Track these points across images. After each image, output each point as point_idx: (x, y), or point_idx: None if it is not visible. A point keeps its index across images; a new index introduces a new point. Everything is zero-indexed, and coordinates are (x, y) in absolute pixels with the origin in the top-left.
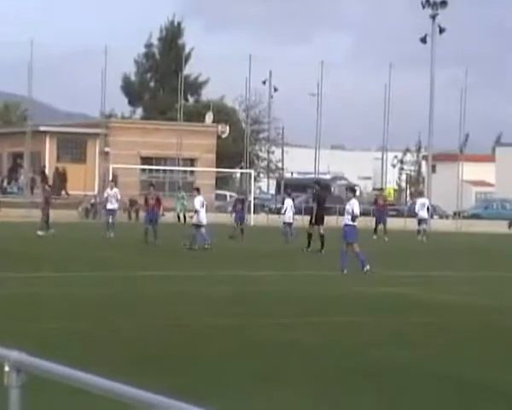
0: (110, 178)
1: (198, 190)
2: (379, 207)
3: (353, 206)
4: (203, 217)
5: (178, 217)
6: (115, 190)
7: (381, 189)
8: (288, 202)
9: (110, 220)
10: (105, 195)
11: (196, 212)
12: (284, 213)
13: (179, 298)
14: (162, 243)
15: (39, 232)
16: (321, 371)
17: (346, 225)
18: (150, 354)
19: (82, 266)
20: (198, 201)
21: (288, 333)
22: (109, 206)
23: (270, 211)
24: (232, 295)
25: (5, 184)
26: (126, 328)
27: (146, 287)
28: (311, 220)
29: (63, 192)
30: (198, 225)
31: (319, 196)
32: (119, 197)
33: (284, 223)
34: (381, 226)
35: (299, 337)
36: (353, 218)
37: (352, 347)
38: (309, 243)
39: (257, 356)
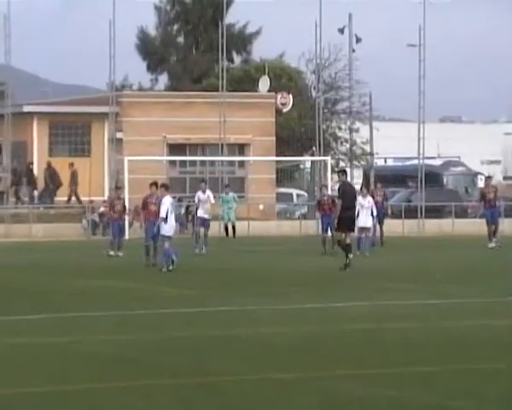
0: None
1: (166, 186)
2: (489, 203)
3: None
4: (171, 226)
5: (226, 228)
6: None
7: (489, 177)
8: (367, 201)
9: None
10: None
11: (163, 219)
12: (357, 216)
13: (228, 345)
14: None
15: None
16: None
17: None
18: None
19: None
20: (166, 203)
21: (381, 388)
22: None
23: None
24: (299, 338)
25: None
26: (165, 390)
27: (174, 329)
28: (338, 226)
29: (72, 197)
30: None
31: (344, 191)
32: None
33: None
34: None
35: (398, 395)
36: None
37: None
38: (347, 256)
39: None
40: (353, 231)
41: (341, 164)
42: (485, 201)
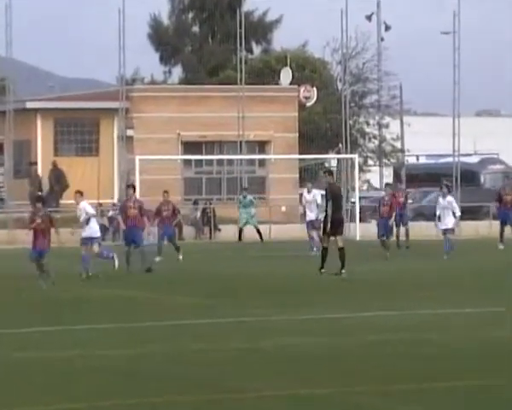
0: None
1: (80, 193)
2: (505, 205)
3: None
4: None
5: (240, 233)
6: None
7: (509, 177)
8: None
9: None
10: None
11: (87, 222)
12: (439, 218)
13: (246, 358)
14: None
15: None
16: None
17: None
18: None
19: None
20: (85, 207)
21: (411, 405)
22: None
23: None
24: (324, 350)
25: None
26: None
27: (189, 341)
28: (324, 229)
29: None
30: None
31: (333, 192)
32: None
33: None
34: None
35: None
36: None
37: None
38: (323, 261)
39: None
40: (341, 233)
41: (370, 162)
42: (500, 202)
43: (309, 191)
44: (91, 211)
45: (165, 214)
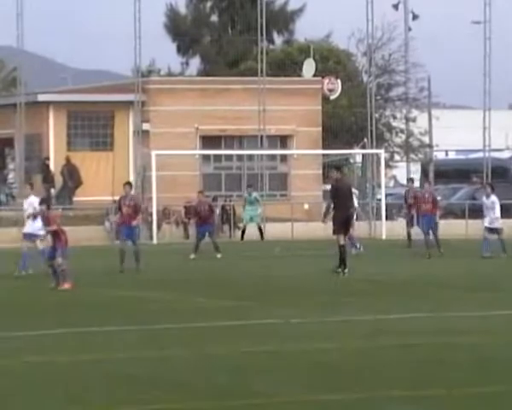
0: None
1: (31, 185)
2: None
3: None
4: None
5: (243, 232)
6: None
7: None
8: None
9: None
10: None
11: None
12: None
13: (272, 362)
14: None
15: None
16: None
17: None
18: None
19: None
20: (34, 202)
21: None
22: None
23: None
24: (350, 355)
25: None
26: None
27: (211, 345)
28: (333, 226)
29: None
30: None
31: (336, 188)
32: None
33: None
34: None
35: None
36: None
37: None
38: (344, 260)
39: None
40: (348, 231)
41: (396, 157)
42: None
43: (488, 196)
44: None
45: (203, 214)
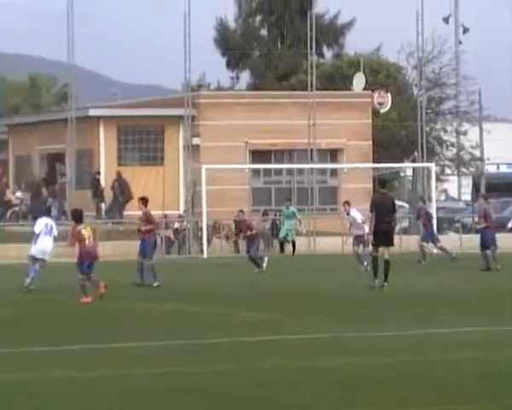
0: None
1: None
2: None
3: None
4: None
5: (281, 245)
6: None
7: None
8: None
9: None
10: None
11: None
12: None
13: (318, 377)
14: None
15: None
16: None
17: None
18: None
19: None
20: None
21: None
22: None
23: (465, 228)
24: (394, 370)
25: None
26: None
27: (257, 359)
28: (373, 239)
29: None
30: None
31: (378, 203)
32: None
33: None
34: None
35: None
36: None
37: None
38: (375, 272)
39: None
40: (391, 245)
41: (447, 171)
42: None
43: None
44: (43, 228)
45: (248, 233)
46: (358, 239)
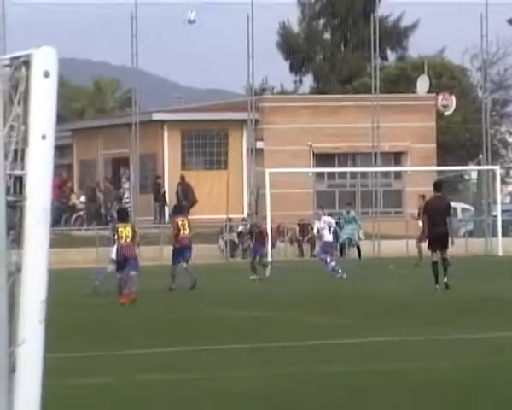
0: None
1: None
2: None
3: None
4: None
5: (341, 248)
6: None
7: None
8: None
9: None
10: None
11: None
12: None
13: (389, 382)
14: None
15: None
16: None
17: None
18: None
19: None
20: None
21: None
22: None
23: None
24: (466, 374)
25: (102, 209)
26: None
27: (323, 364)
28: (429, 243)
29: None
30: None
31: (431, 206)
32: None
33: None
34: None
35: None
36: None
37: None
38: (436, 277)
39: None
40: (447, 247)
41: None
42: None
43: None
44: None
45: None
46: (326, 247)
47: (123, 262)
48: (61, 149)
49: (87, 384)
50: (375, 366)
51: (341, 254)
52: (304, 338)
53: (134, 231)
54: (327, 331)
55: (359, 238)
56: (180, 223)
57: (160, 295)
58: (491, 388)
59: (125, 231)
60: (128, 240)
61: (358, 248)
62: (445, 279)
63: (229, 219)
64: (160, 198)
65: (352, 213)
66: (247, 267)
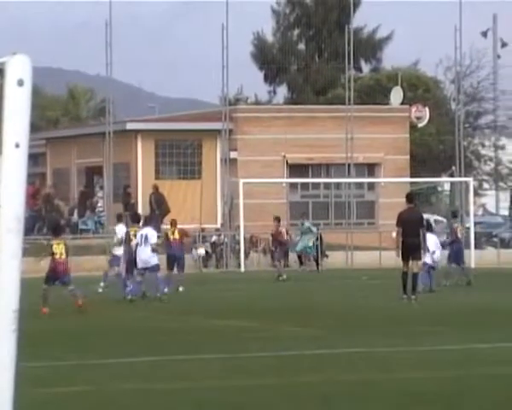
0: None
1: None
2: None
3: None
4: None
5: (299, 258)
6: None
7: None
8: None
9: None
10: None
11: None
12: None
13: (361, 392)
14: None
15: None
16: None
17: None
18: None
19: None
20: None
21: None
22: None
23: (503, 243)
24: (439, 385)
25: (75, 216)
26: None
27: (301, 374)
28: (402, 254)
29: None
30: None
31: (400, 217)
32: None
33: None
34: None
35: None
36: None
37: None
38: (404, 287)
39: None
40: (419, 259)
41: (485, 186)
42: None
43: None
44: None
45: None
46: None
47: (55, 277)
48: (34, 158)
49: (61, 393)
50: (349, 377)
51: (300, 264)
52: (276, 349)
53: (67, 248)
54: (302, 341)
55: (322, 251)
56: (55, 247)
57: (137, 305)
58: (464, 399)
59: (59, 247)
60: (63, 257)
61: (316, 260)
62: (413, 297)
63: (203, 230)
64: (129, 208)
65: (307, 223)
66: (220, 278)
